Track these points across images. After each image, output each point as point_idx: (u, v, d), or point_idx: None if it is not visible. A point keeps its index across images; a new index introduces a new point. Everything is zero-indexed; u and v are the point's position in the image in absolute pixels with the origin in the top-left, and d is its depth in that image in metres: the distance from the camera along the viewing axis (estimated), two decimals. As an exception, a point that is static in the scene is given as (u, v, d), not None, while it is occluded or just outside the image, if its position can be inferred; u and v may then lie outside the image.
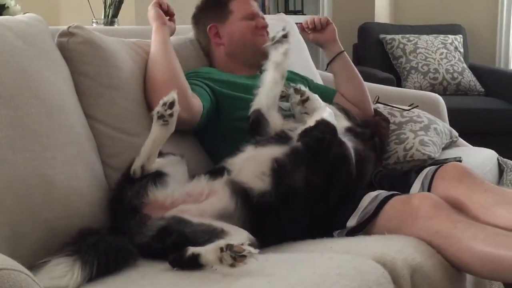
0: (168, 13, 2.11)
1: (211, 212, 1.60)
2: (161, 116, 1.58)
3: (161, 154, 1.68)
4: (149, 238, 1.54)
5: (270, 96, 1.88)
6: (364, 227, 1.70)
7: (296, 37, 2.82)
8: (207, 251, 1.38)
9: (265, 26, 2.22)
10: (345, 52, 2.40)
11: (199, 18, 2.27)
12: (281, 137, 1.78)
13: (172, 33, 2.10)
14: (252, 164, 1.70)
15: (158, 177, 1.64)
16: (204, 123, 1.98)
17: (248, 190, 1.65)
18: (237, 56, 2.21)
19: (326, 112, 1.80)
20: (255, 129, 1.86)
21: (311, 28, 2.38)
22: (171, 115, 1.59)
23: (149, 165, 1.64)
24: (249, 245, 1.37)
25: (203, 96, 1.98)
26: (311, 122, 1.76)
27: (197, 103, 1.93)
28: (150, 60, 1.97)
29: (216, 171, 1.74)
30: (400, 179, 1.98)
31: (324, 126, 1.75)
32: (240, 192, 1.65)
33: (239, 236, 1.48)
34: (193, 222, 1.54)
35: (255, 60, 2.09)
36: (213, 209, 1.61)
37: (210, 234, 1.49)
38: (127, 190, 1.63)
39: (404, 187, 1.90)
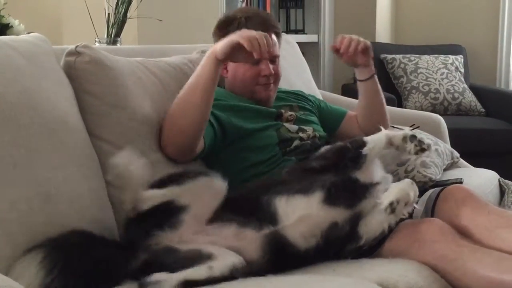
0: (260, 53, 1.75)
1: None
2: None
3: (187, 176, 1.55)
4: (132, 271, 1.45)
5: None
6: (374, 251, 1.69)
7: (298, 56, 2.83)
8: None
9: (267, 75, 2.07)
10: (376, 77, 2.19)
11: (214, 39, 2.11)
12: (358, 196, 1.65)
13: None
14: (306, 225, 1.58)
15: (169, 215, 1.51)
16: (203, 156, 1.93)
17: (287, 246, 1.57)
18: (236, 92, 2.12)
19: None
20: None
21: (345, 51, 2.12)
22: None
23: None
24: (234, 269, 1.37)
25: (206, 133, 1.89)
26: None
27: (200, 145, 1.88)
28: (189, 89, 1.83)
29: (262, 217, 1.58)
30: None
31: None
32: (276, 244, 1.55)
33: (225, 260, 1.43)
34: (181, 250, 1.46)
35: (251, 100, 2.08)
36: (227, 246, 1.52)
37: (193, 260, 1.42)
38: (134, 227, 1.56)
39: None
